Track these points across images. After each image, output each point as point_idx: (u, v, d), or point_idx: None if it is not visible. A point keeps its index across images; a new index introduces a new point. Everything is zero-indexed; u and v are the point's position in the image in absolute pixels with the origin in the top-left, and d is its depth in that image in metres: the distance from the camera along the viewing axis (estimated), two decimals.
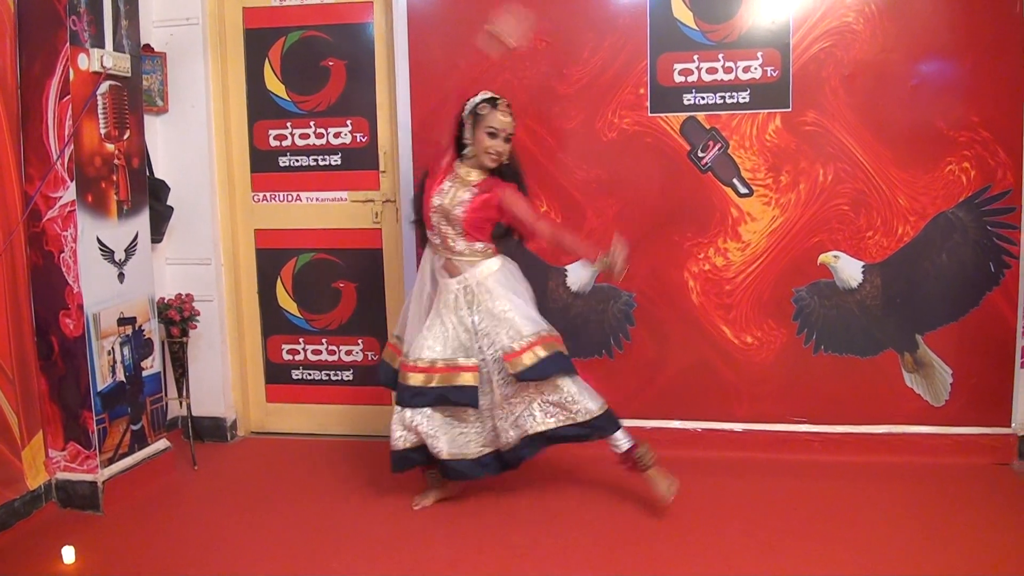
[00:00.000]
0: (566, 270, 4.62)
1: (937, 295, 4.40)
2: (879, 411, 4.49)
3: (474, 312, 3.87)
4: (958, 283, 4.38)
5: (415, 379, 3.82)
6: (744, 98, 4.39)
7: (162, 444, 4.45)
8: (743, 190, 4.45)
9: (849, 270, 4.43)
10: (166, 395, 4.60)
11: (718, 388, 4.59)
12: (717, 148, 4.44)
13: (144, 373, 4.34)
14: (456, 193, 3.87)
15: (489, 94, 3.88)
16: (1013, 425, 4.40)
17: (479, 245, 3.93)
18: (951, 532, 3.65)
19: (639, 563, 3.49)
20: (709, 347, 4.57)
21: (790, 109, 4.36)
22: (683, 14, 4.41)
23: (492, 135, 3.83)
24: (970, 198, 4.31)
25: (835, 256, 4.42)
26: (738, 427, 4.59)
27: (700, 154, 4.46)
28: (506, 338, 3.80)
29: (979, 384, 4.43)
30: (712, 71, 4.41)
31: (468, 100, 3.88)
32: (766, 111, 4.39)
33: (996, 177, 4.28)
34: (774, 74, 4.35)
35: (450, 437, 3.86)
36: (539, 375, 3.76)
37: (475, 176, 3.91)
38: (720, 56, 4.40)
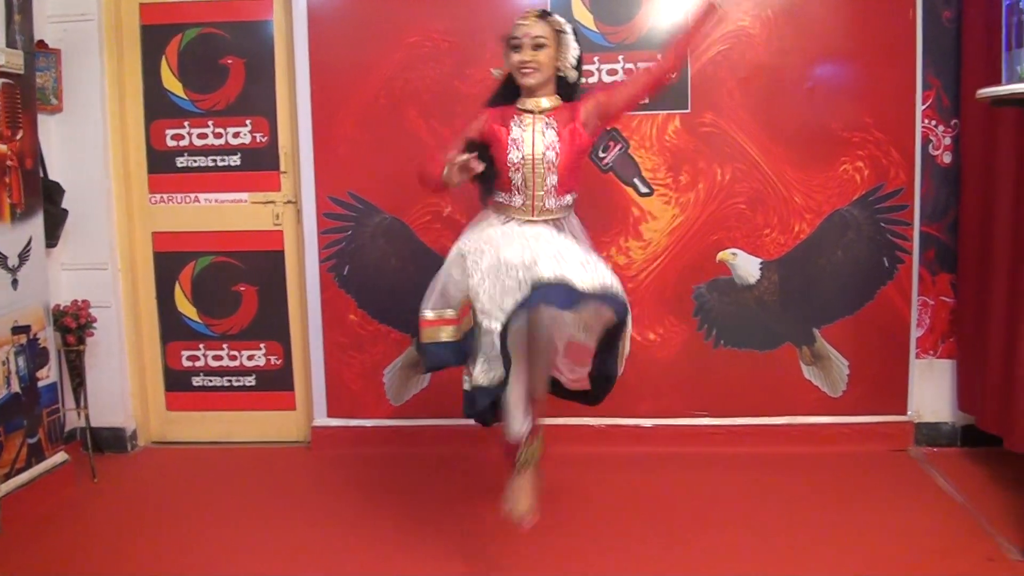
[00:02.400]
0: None
1: (833, 290, 4.52)
2: (779, 403, 4.60)
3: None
4: (853, 278, 4.51)
5: None
6: (644, 99, 4.41)
7: (60, 457, 4.32)
8: (644, 189, 4.50)
9: (747, 267, 4.51)
10: (63, 406, 4.45)
11: (622, 384, 4.55)
12: (618, 148, 4.48)
13: (40, 383, 4.22)
14: (539, 136, 3.40)
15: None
16: (909, 413, 4.55)
17: (569, 198, 3.51)
18: (852, 516, 3.78)
19: (549, 558, 3.52)
20: None
21: (689, 110, 4.43)
22: (583, 16, 4.43)
23: (515, 48, 3.37)
24: (864, 196, 4.43)
25: (733, 253, 4.50)
26: (641, 422, 4.64)
27: (601, 154, 4.49)
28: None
29: (875, 375, 4.57)
30: (613, 72, 4.44)
31: None
32: (665, 112, 4.44)
33: (889, 176, 4.41)
34: (673, 76, 4.38)
35: None
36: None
37: (546, 103, 3.44)
38: (620, 58, 4.43)
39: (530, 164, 3.38)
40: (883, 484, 4.12)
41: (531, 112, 3.42)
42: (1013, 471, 4.08)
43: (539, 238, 3.31)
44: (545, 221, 3.44)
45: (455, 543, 3.66)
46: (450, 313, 3.42)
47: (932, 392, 4.57)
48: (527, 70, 3.36)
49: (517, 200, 3.44)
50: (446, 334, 3.44)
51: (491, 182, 3.47)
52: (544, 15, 3.41)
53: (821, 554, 3.46)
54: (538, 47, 3.35)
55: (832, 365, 4.57)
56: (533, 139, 3.38)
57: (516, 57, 3.36)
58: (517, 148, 3.39)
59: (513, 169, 3.40)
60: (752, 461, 4.42)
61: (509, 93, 3.50)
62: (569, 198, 3.50)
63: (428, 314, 3.46)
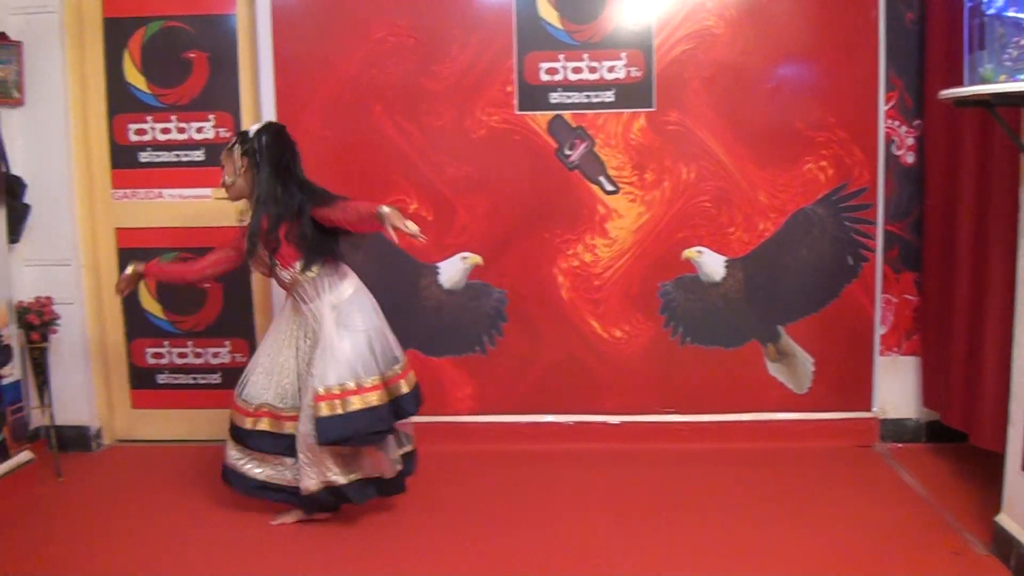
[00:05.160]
0: (438, 267, 4.61)
1: (798, 288, 4.54)
2: (745, 399, 4.63)
3: None
4: (818, 276, 4.53)
5: None
6: (609, 97, 4.43)
7: (25, 456, 4.32)
8: (609, 188, 4.50)
9: (712, 265, 4.52)
10: (28, 404, 4.45)
11: (589, 382, 4.66)
12: (584, 146, 4.47)
13: (3, 381, 4.22)
14: None
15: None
16: (874, 409, 4.59)
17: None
18: (818, 512, 3.81)
19: (513, 554, 3.53)
20: (580, 342, 4.62)
21: (654, 109, 4.43)
22: (549, 14, 4.42)
23: None
24: (828, 195, 4.44)
25: (699, 251, 4.51)
26: (609, 419, 4.65)
27: (567, 152, 4.49)
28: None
29: (840, 371, 4.60)
30: (578, 71, 4.44)
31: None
32: (631, 110, 4.44)
33: (853, 175, 4.43)
34: (638, 74, 4.40)
35: None
36: None
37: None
38: (585, 56, 4.43)
39: None
40: (849, 480, 4.16)
41: None
42: (978, 466, 4.12)
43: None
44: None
45: (422, 538, 3.67)
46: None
47: (897, 388, 4.60)
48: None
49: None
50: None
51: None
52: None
53: (787, 549, 3.49)
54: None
55: (797, 362, 4.59)
56: None
57: None
58: None
59: None
60: (719, 457, 4.44)
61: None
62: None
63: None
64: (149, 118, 4.75)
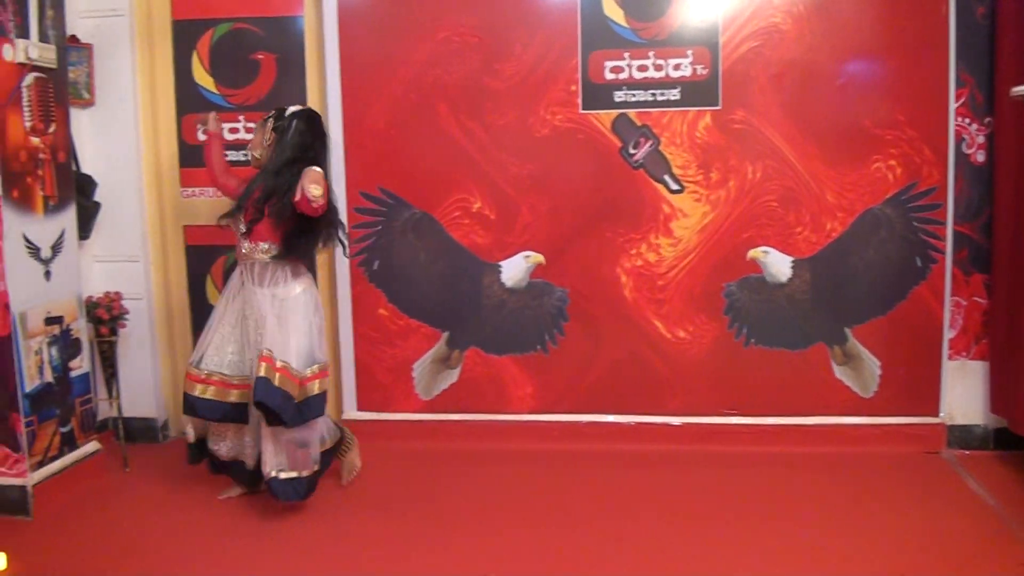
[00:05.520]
0: (500, 266, 4.62)
1: (865, 289, 4.48)
2: (810, 403, 4.57)
3: None
4: (885, 277, 4.47)
5: None
6: (675, 95, 4.42)
7: (92, 446, 4.39)
8: (674, 187, 4.48)
9: (778, 265, 4.48)
10: (96, 396, 4.51)
11: (651, 382, 4.63)
12: (648, 145, 4.46)
13: (72, 374, 4.27)
14: None
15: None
16: (941, 415, 4.50)
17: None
18: (883, 519, 3.75)
19: (575, 554, 3.51)
20: (642, 342, 4.60)
21: (720, 107, 4.41)
22: (614, 12, 4.43)
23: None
24: (896, 195, 4.38)
25: (765, 251, 4.47)
26: (671, 420, 4.62)
27: (632, 151, 4.48)
28: None
29: (907, 376, 4.52)
30: (643, 69, 4.44)
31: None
32: (696, 109, 4.43)
33: (922, 174, 4.36)
34: (704, 72, 4.39)
35: None
36: None
37: None
38: (651, 54, 4.43)
39: None
40: (914, 486, 4.08)
41: None
42: None
43: None
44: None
45: (483, 539, 3.67)
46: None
47: (964, 394, 4.51)
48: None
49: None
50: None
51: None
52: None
53: (850, 556, 3.43)
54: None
55: (864, 365, 4.53)
56: None
57: None
58: None
59: None
60: (782, 461, 4.39)
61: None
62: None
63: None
64: None
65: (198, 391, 3.94)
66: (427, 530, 3.75)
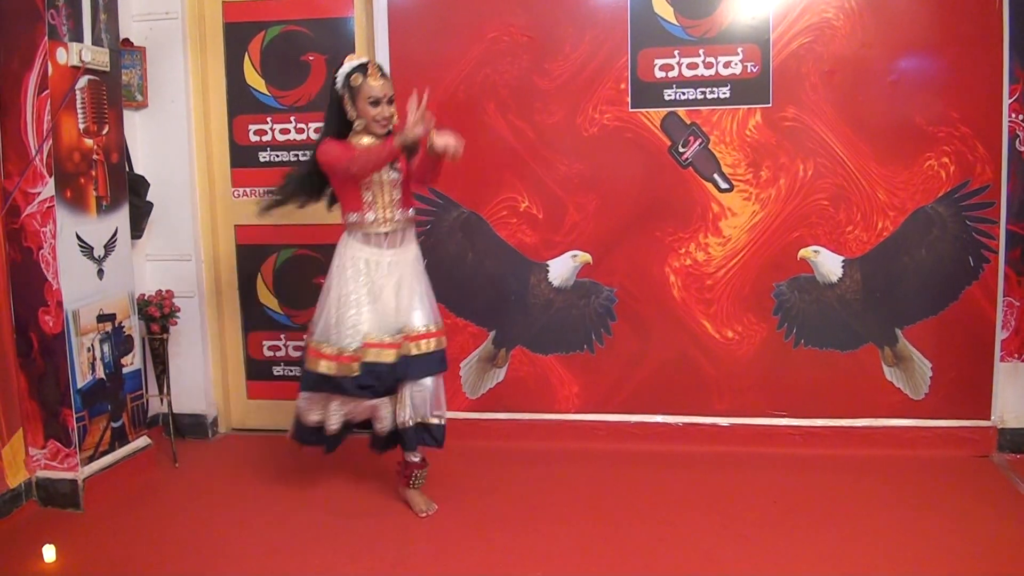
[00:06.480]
0: (548, 265, 4.62)
1: (916, 289, 4.43)
2: (859, 404, 4.52)
3: None
4: (937, 277, 4.41)
5: None
6: (724, 93, 4.40)
7: (143, 441, 4.43)
8: (724, 185, 4.46)
9: (829, 265, 4.44)
10: (147, 392, 4.55)
11: (699, 382, 4.61)
12: (698, 143, 4.45)
13: (124, 370, 4.32)
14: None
15: (356, 60, 3.81)
16: (993, 418, 4.44)
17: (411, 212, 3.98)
18: (932, 523, 3.68)
19: (620, 555, 3.49)
20: (690, 342, 4.58)
21: (770, 105, 4.38)
22: (664, 9, 4.41)
23: (375, 103, 3.76)
24: (949, 193, 4.33)
25: (815, 251, 4.44)
26: (719, 421, 4.59)
27: (681, 149, 4.47)
28: None
29: (959, 378, 4.46)
30: (693, 67, 4.42)
31: (337, 71, 3.83)
32: (746, 107, 4.40)
33: (975, 172, 4.31)
34: (754, 70, 4.37)
35: None
36: None
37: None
38: (701, 51, 4.41)
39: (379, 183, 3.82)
40: (965, 490, 4.01)
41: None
42: None
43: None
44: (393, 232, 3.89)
45: (528, 538, 3.66)
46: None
47: (1017, 397, 4.44)
48: (383, 123, 3.80)
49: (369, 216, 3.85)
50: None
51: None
52: (385, 73, 3.85)
53: (899, 560, 3.39)
54: (390, 102, 3.81)
55: (914, 367, 4.47)
56: None
57: (375, 112, 3.77)
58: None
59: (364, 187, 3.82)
60: (831, 463, 4.34)
61: (343, 126, 3.87)
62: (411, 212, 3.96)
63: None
64: (269, 119, 4.88)
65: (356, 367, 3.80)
66: (471, 529, 3.75)
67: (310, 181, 3.95)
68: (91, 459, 4.10)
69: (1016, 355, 4.43)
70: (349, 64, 3.78)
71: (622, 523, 3.77)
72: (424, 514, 3.87)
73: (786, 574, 3.35)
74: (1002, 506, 3.86)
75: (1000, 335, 4.41)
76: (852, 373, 4.51)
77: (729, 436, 4.58)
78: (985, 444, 4.43)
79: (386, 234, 3.82)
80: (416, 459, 3.92)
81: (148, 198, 4.72)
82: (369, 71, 3.75)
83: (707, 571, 3.39)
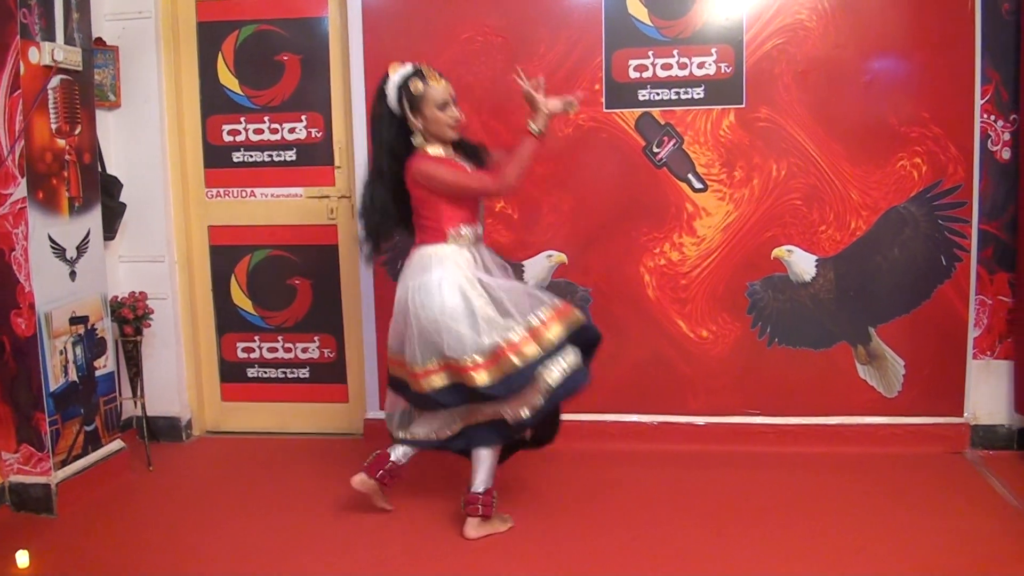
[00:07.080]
0: (523, 266, 4.61)
1: (889, 288, 4.46)
2: (833, 402, 4.54)
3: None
4: (910, 276, 4.44)
5: None
6: (699, 94, 4.41)
7: (116, 445, 4.39)
8: (698, 185, 4.47)
9: (802, 264, 4.46)
10: (120, 395, 4.51)
11: (674, 381, 4.62)
12: (672, 144, 4.46)
13: (97, 373, 4.28)
14: None
15: (404, 67, 3.65)
16: (965, 415, 4.47)
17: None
18: (906, 520, 3.71)
19: (595, 554, 3.50)
20: (665, 341, 4.59)
21: (744, 105, 4.39)
22: (638, 10, 4.42)
23: (443, 106, 3.60)
24: (921, 193, 4.36)
25: (789, 250, 4.45)
26: (694, 420, 4.61)
27: (655, 149, 4.47)
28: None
29: (931, 375, 4.49)
30: (667, 67, 4.42)
31: (385, 86, 3.66)
32: (720, 107, 4.41)
33: (947, 172, 4.33)
34: (728, 70, 4.38)
35: None
36: None
37: (447, 152, 3.69)
38: (675, 52, 4.41)
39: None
40: (938, 487, 4.05)
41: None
42: None
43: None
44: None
45: (506, 536, 3.67)
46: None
47: (989, 394, 4.49)
48: (455, 126, 3.66)
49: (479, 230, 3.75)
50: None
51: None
52: (442, 73, 3.70)
53: (873, 556, 3.41)
54: (456, 102, 3.68)
55: (888, 365, 4.50)
56: None
57: (445, 116, 3.61)
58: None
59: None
60: (805, 461, 4.36)
61: (398, 142, 3.67)
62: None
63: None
64: (242, 119, 4.86)
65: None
66: (448, 531, 3.75)
67: (396, 210, 3.72)
68: (64, 463, 4.06)
69: (988, 352, 4.48)
70: (398, 73, 3.64)
71: (597, 522, 3.77)
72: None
73: (761, 571, 3.36)
74: (975, 501, 3.89)
75: (972, 333, 4.45)
76: (826, 371, 4.53)
77: (704, 435, 4.59)
78: (958, 441, 4.46)
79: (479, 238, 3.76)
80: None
81: (121, 199, 4.68)
82: (427, 75, 3.61)
83: (683, 568, 3.40)
